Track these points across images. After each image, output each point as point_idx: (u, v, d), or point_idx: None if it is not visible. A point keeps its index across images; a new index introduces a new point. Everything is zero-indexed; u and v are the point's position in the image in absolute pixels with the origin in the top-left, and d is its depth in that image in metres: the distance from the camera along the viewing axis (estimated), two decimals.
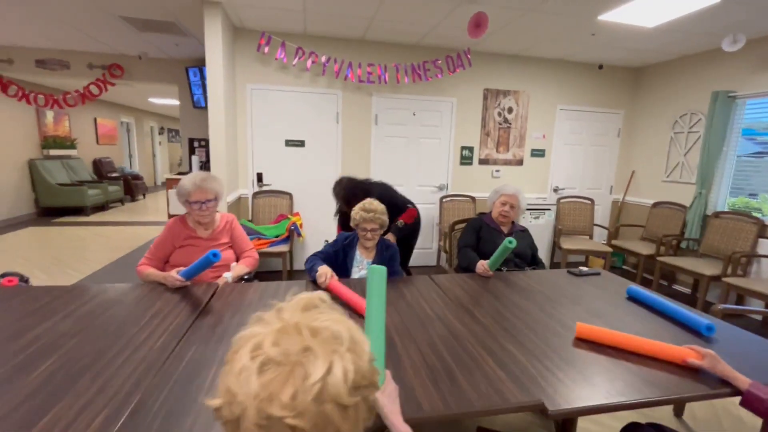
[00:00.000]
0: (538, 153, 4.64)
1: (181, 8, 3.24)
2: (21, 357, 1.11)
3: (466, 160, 4.48)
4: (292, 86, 3.91)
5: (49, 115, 7.06)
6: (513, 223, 2.46)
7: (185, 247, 1.95)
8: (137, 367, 1.09)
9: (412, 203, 2.95)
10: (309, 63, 3.74)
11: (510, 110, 4.45)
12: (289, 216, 3.95)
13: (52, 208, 6.83)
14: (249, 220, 3.91)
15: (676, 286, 4.16)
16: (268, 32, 3.63)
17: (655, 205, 4.32)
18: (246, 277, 2.03)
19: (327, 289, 1.66)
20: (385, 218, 1.95)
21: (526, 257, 2.37)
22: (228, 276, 1.90)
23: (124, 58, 4.93)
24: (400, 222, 2.77)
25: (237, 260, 2.09)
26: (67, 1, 3.18)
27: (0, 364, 1.08)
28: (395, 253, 2.08)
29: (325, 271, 1.73)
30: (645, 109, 4.62)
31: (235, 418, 0.41)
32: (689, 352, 1.18)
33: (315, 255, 1.97)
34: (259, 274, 3.68)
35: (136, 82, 5.23)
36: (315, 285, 1.73)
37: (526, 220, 4.27)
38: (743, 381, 1.08)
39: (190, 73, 4.87)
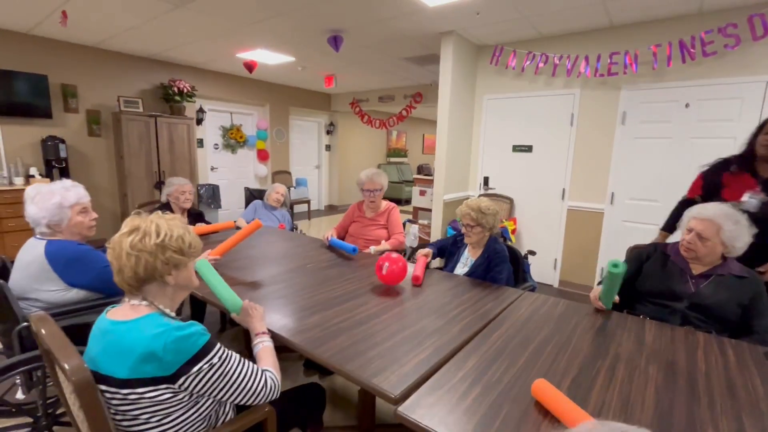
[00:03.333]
0: None
1: (433, 42, 4.04)
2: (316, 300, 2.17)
3: None
4: (527, 91, 3.89)
5: (394, 133, 10.08)
6: (725, 261, 1.59)
7: (355, 222, 2.72)
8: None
9: None
10: (539, 65, 3.62)
11: None
12: (504, 220, 4.00)
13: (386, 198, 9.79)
14: None
15: None
16: (502, 44, 3.83)
17: None
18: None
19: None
20: (481, 217, 1.89)
21: (721, 317, 1.50)
22: (372, 249, 2.49)
23: (422, 86, 6.44)
24: None
25: (388, 239, 2.63)
26: (376, 56, 4.72)
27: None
28: (502, 262, 1.93)
29: (424, 252, 2.04)
30: None
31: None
32: None
33: (435, 243, 2.22)
34: None
35: (432, 104, 6.67)
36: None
37: None
38: None
39: None
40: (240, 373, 0.98)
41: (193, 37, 4.14)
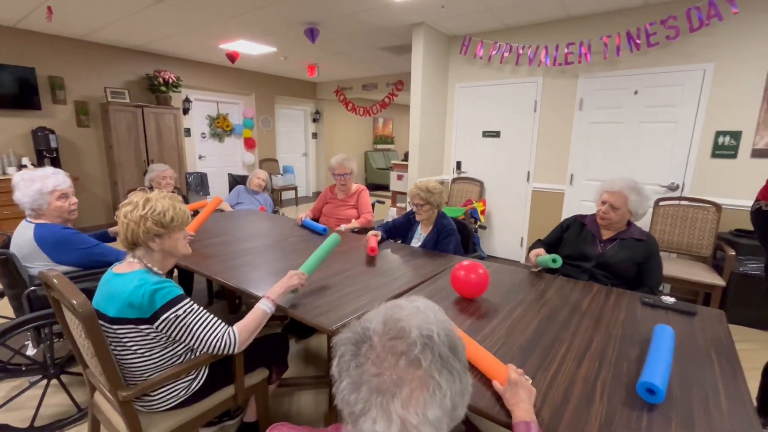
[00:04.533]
0: None
1: (406, 33, 4.24)
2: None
3: (724, 150, 3.12)
4: (495, 80, 4.13)
5: (380, 120, 10.26)
6: (628, 227, 1.88)
7: (328, 203, 2.98)
8: None
9: None
10: (504, 54, 3.85)
11: None
12: (474, 202, 4.28)
13: (372, 184, 10.03)
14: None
15: None
16: (471, 35, 4.04)
17: None
18: (356, 230, 2.81)
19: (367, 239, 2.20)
20: (429, 196, 2.15)
21: (621, 273, 1.79)
22: (343, 227, 2.76)
23: (403, 74, 6.62)
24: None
25: (357, 218, 2.90)
26: (354, 46, 4.90)
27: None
28: (449, 234, 2.20)
29: (373, 233, 2.25)
30: None
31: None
32: (501, 372, 0.96)
33: (383, 224, 2.46)
34: None
35: None
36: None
37: None
38: (519, 415, 0.84)
39: None
40: (200, 326, 1.16)
41: (174, 30, 4.30)
